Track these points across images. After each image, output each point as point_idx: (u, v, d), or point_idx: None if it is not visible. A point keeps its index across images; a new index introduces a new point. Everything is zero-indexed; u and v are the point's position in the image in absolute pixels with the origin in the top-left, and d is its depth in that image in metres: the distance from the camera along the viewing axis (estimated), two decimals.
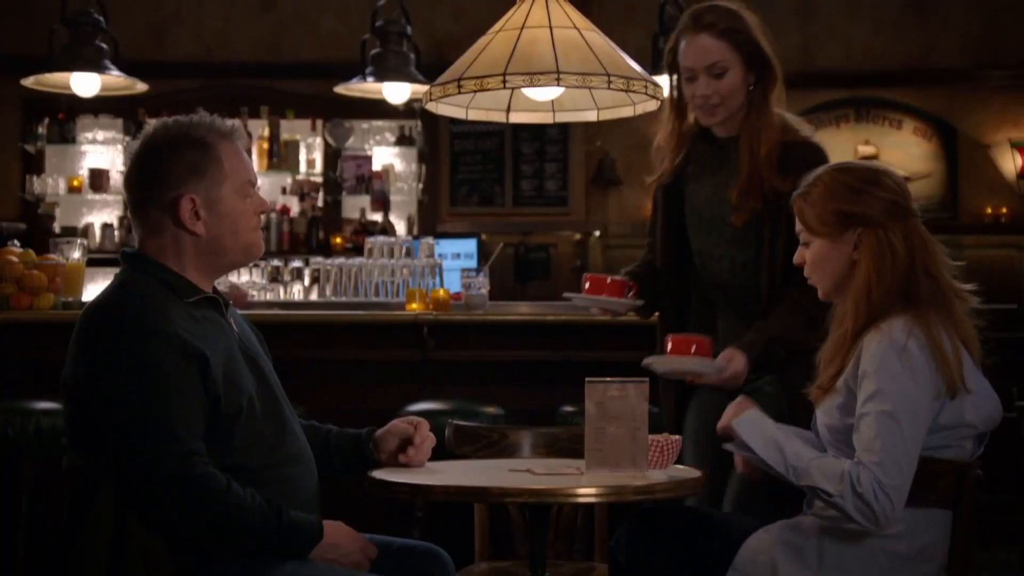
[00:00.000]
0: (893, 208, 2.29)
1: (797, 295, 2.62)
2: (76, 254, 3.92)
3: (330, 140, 7.23)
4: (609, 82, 2.28)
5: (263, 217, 2.31)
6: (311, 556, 2.12)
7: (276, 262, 5.57)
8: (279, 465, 2.17)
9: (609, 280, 2.78)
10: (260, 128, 7.13)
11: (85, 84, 4.71)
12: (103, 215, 7.32)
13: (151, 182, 2.19)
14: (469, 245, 6.96)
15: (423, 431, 2.37)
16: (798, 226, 2.38)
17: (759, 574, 2.24)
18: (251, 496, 2.06)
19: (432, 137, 7.42)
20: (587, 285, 2.80)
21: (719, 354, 2.62)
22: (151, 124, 2.31)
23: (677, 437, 2.37)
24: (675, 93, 2.82)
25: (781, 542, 2.26)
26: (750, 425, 2.27)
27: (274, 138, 7.19)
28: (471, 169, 7.55)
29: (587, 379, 2.32)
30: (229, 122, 2.28)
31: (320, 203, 7.33)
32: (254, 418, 2.14)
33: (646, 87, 2.42)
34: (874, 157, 7.64)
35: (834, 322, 2.33)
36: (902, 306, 2.24)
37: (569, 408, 3.48)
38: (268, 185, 7.10)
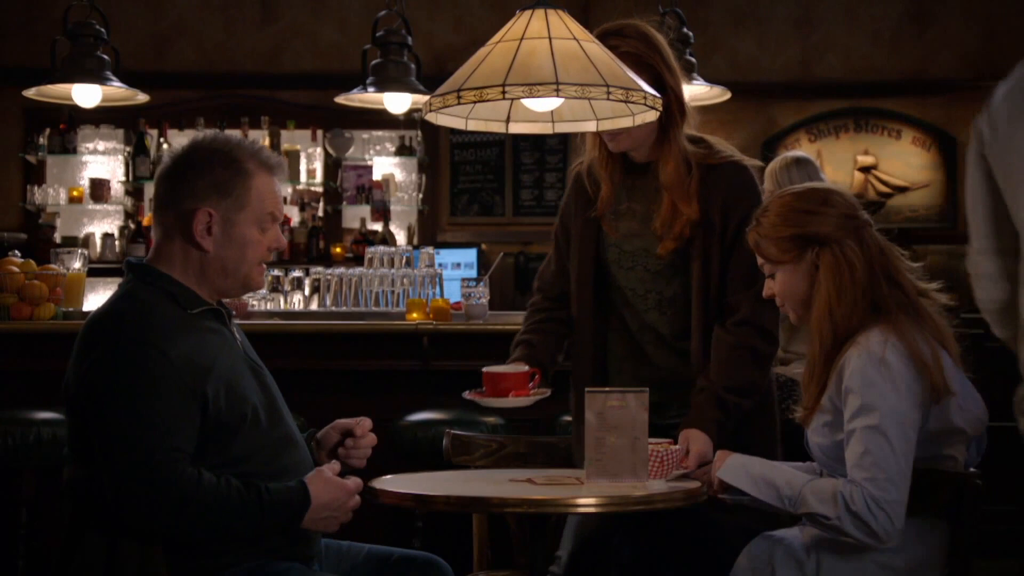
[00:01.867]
0: (846, 222, 2.31)
1: (731, 332, 2.56)
2: (77, 264, 3.92)
3: (330, 150, 7.25)
4: (608, 93, 2.29)
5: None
6: (306, 525, 2.12)
7: (276, 272, 5.58)
8: (281, 475, 2.17)
9: (510, 374, 2.51)
10: (260, 138, 7.14)
11: (86, 95, 4.72)
12: (104, 225, 7.33)
13: (176, 187, 2.20)
14: (469, 255, 6.96)
15: (364, 426, 2.36)
16: (759, 260, 2.39)
17: None
18: (225, 483, 2.05)
19: (432, 147, 7.43)
20: (484, 388, 2.52)
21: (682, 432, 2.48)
22: (203, 133, 2.33)
23: (677, 447, 2.38)
24: None
25: (780, 551, 2.26)
26: (736, 472, 2.28)
27: (274, 148, 7.20)
28: (471, 179, 7.56)
29: (587, 389, 2.32)
30: (276, 157, 2.29)
31: (320, 213, 7.34)
32: (258, 428, 2.15)
33: (645, 98, 2.42)
34: (873, 167, 7.66)
35: (807, 345, 2.35)
36: (873, 317, 2.25)
37: (568, 418, 3.48)
38: None
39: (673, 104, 2.66)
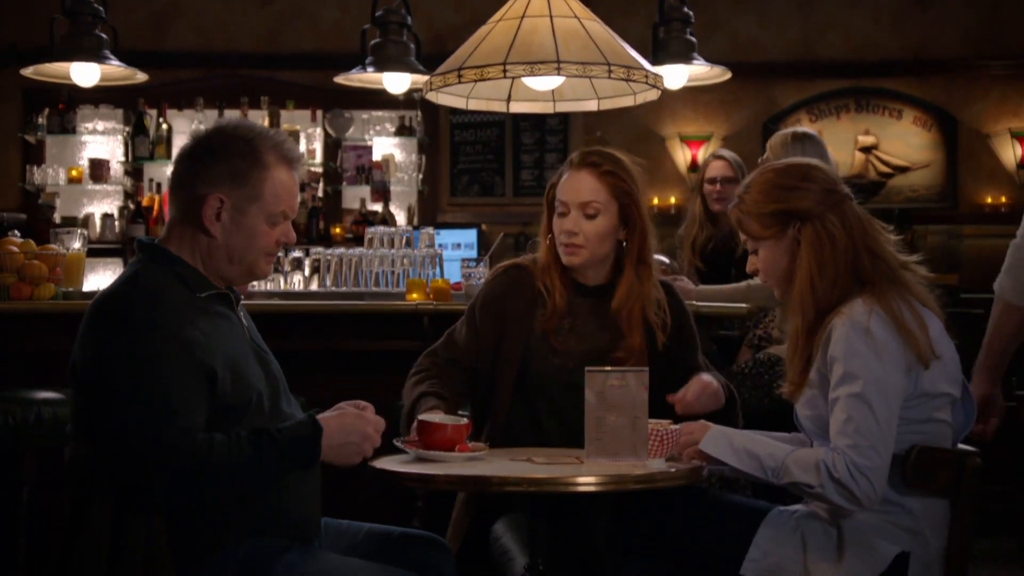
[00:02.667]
0: (827, 196, 2.33)
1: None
2: (76, 244, 3.91)
3: (330, 130, 7.23)
4: (609, 71, 2.28)
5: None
6: (325, 458, 2.12)
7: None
8: None
9: (449, 426, 2.36)
10: (260, 119, 7.11)
11: (85, 74, 4.70)
12: (103, 205, 7.31)
13: (193, 169, 2.19)
14: (469, 235, 6.96)
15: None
16: (742, 236, 2.41)
17: (783, 550, 2.25)
18: (236, 438, 2.05)
19: (432, 127, 7.41)
20: (418, 438, 2.36)
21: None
22: (229, 117, 2.31)
23: (677, 426, 2.38)
24: (550, 231, 2.71)
25: (805, 520, 2.28)
26: (717, 443, 2.29)
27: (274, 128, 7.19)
28: (471, 159, 7.55)
29: (587, 368, 2.32)
30: (297, 151, 2.26)
31: (320, 193, 7.32)
32: (260, 415, 2.15)
33: (646, 76, 2.41)
34: (874, 147, 7.64)
35: (788, 319, 2.37)
36: (857, 288, 2.27)
37: None
38: None
39: (644, 235, 2.67)
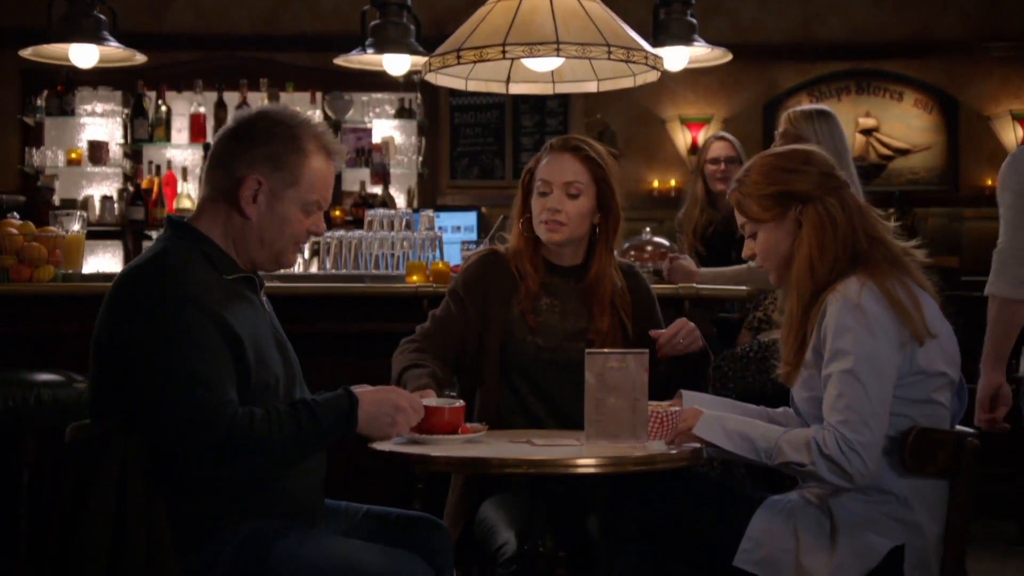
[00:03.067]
0: (825, 180, 2.35)
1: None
2: (75, 226, 3.91)
3: (329, 113, 7.21)
4: (609, 52, 2.28)
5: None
6: (362, 430, 2.13)
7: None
8: None
9: (446, 408, 2.35)
10: (259, 101, 7.09)
11: (83, 55, 4.69)
12: (102, 187, 7.30)
13: (233, 149, 2.20)
14: (469, 218, 6.95)
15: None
16: (740, 219, 2.41)
17: (776, 541, 2.25)
18: (275, 411, 2.06)
19: (432, 110, 7.39)
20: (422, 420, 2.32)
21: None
22: (273, 104, 2.32)
23: (677, 408, 2.38)
24: (522, 211, 2.79)
25: (799, 510, 2.28)
26: (710, 428, 2.30)
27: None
28: (471, 142, 7.54)
29: (587, 351, 2.33)
30: (337, 143, 2.29)
31: None
32: (277, 400, 2.15)
33: (646, 57, 2.41)
34: (875, 129, 7.63)
35: (785, 301, 2.37)
36: (851, 267, 2.28)
37: None
38: None
39: (615, 222, 2.76)
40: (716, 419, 2.31)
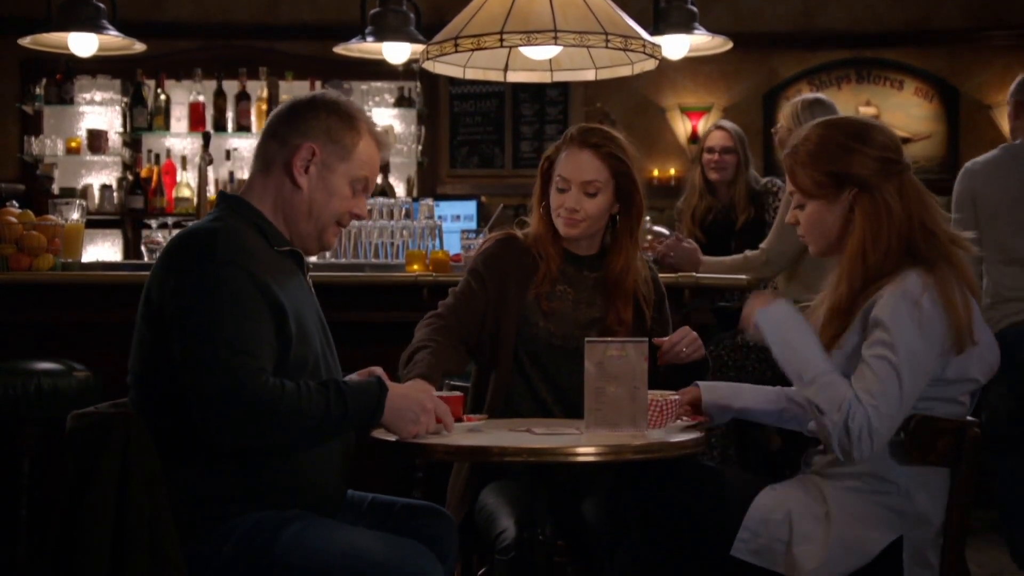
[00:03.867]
0: (885, 165, 2.27)
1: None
2: (75, 215, 3.91)
3: None
4: (607, 41, 2.27)
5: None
6: (387, 421, 2.15)
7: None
8: None
9: (446, 398, 2.36)
10: (258, 89, 7.09)
11: (82, 44, 4.68)
12: (102, 176, 7.29)
13: (290, 122, 2.26)
14: (469, 207, 6.94)
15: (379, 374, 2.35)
16: (789, 186, 2.37)
17: (772, 531, 2.25)
18: (305, 386, 2.07)
19: (432, 99, 7.38)
20: None
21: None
22: (326, 90, 2.39)
23: (676, 396, 2.38)
24: (541, 198, 2.80)
25: (793, 500, 2.28)
26: (773, 323, 2.26)
27: (272, 99, 7.15)
28: (471, 131, 7.53)
29: (587, 339, 2.33)
30: (387, 138, 2.36)
31: None
32: (314, 379, 2.16)
33: (644, 46, 2.40)
34: (875, 117, 7.62)
35: (831, 285, 2.33)
36: (909, 260, 2.24)
37: None
38: None
39: (637, 212, 2.75)
40: (783, 320, 2.25)
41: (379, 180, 7.20)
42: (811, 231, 2.35)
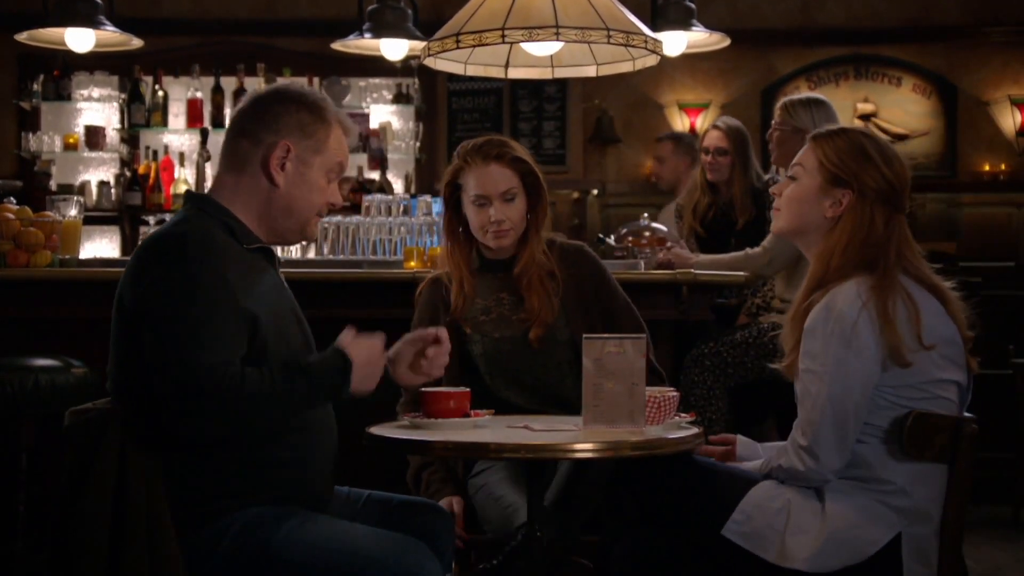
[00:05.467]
0: (887, 191, 2.31)
1: None
2: (73, 211, 3.90)
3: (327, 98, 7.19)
4: (608, 36, 2.27)
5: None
6: (355, 388, 2.14)
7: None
8: (308, 425, 2.19)
9: (453, 393, 2.39)
10: (256, 86, 7.05)
11: (80, 40, 4.67)
12: (99, 173, 7.29)
13: (260, 119, 2.24)
14: None
15: (444, 335, 2.33)
16: (797, 159, 2.39)
17: (767, 518, 2.25)
18: (268, 371, 2.07)
19: (430, 95, 7.38)
20: (422, 410, 2.39)
21: None
22: (288, 81, 2.37)
23: (675, 393, 2.38)
24: (454, 223, 2.88)
25: (793, 492, 2.29)
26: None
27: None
28: (469, 127, 7.52)
29: (584, 335, 2.32)
30: (351, 123, 2.35)
31: None
32: None
33: (646, 42, 2.40)
34: (873, 115, 7.62)
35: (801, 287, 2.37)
36: (863, 270, 2.26)
37: None
38: None
39: (542, 205, 2.85)
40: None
41: (376, 177, 7.23)
42: (790, 204, 2.38)
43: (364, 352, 2.16)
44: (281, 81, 2.19)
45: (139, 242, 2.24)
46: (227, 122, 7.00)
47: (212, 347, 2.04)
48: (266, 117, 2.24)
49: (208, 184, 7.04)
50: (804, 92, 7.22)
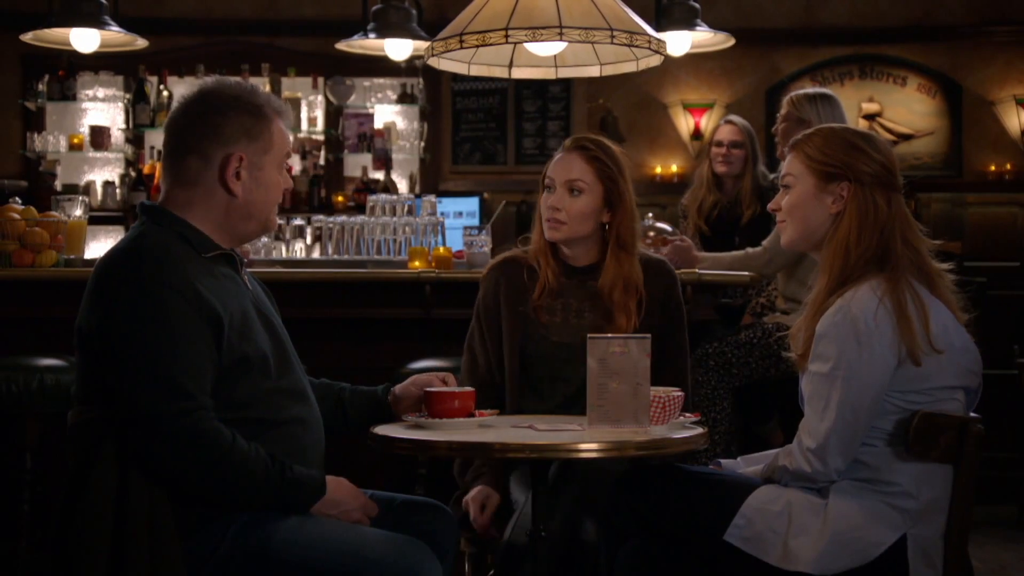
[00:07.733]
0: (882, 174, 2.32)
1: None
2: (78, 211, 3.91)
3: (331, 98, 7.20)
4: (612, 36, 2.27)
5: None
6: (312, 511, 2.13)
7: (278, 220, 5.52)
8: (289, 424, 2.19)
9: (458, 393, 2.38)
10: (261, 86, 7.09)
11: (85, 40, 4.68)
12: (104, 173, 7.30)
13: (202, 133, 2.20)
14: (471, 203, 6.94)
15: (452, 380, 2.40)
16: (784, 172, 2.39)
17: (768, 521, 2.25)
18: (255, 451, 2.07)
19: (434, 95, 7.38)
20: (427, 410, 2.38)
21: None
22: (207, 80, 2.35)
23: (679, 393, 2.38)
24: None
25: (795, 495, 2.28)
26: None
27: (275, 95, 7.17)
28: (473, 127, 7.52)
29: (589, 335, 2.32)
30: (281, 100, 2.33)
31: (322, 161, 7.30)
32: (267, 377, 2.15)
33: (649, 42, 2.40)
34: (878, 114, 7.61)
35: (814, 284, 2.36)
36: (876, 268, 2.25)
37: None
38: None
39: (626, 220, 2.75)
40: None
41: (381, 177, 7.23)
42: (792, 213, 2.37)
43: (343, 494, 2.19)
44: (207, 81, 2.11)
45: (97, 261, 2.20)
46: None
47: (187, 391, 2.03)
48: (207, 130, 2.19)
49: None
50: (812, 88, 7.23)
